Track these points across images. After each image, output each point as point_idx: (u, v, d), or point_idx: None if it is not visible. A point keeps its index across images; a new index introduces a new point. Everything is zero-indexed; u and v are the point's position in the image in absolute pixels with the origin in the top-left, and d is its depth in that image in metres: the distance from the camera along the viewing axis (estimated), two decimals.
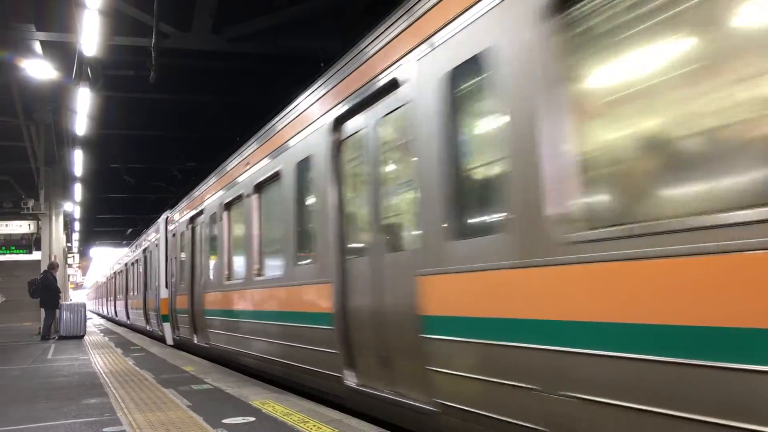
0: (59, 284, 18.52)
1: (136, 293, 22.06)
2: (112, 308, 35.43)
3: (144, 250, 19.37)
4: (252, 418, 5.31)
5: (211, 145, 18.71)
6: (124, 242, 39.80)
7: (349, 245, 5.68)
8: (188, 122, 17.52)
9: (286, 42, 12.02)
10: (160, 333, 15.72)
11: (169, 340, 14.69)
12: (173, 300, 14.03)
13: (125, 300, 26.43)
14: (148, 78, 11.79)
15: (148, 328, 18.69)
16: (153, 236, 17.52)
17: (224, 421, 5.23)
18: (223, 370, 9.03)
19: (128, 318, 25.49)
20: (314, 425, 4.92)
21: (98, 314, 48.84)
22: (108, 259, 47.60)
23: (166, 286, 14.94)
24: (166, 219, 15.59)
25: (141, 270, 20.33)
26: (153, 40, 10.82)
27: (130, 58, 12.60)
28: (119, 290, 30.14)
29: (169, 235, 14.83)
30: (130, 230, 37.45)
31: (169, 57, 12.13)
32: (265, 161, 7.81)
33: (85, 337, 17.96)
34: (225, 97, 15.54)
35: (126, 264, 26.57)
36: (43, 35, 11.44)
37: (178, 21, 11.29)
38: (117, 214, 33.16)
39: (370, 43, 5.12)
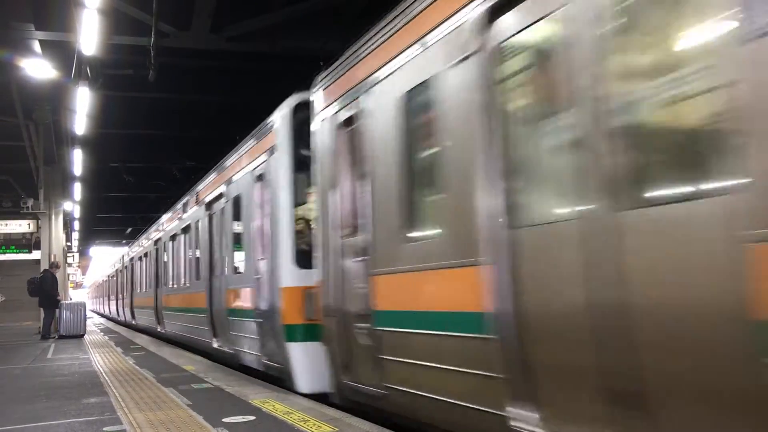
0: (59, 283, 18.54)
1: (182, 284, 13.75)
2: (124, 309, 26.58)
3: (208, 206, 11.21)
4: (252, 417, 5.33)
5: (210, 145, 18.68)
6: (124, 241, 39.72)
7: None
8: (188, 121, 17.50)
9: (286, 41, 12.02)
10: (270, 363, 7.57)
11: (312, 384, 6.66)
12: (349, 289, 5.64)
13: (155, 297, 17.39)
14: (148, 77, 11.78)
15: (217, 345, 10.34)
16: (243, 167, 8.97)
17: (224, 419, 5.25)
18: (224, 369, 9.05)
19: (159, 324, 16.91)
20: (314, 424, 4.93)
21: (104, 316, 41.86)
22: (112, 253, 43.91)
23: (295, 262, 7.00)
24: (295, 110, 7.28)
25: (198, 242, 12.06)
26: (152, 39, 10.82)
27: (130, 57, 12.59)
28: (139, 283, 21.68)
29: (329, 132, 6.03)
30: (129, 229, 37.41)
31: (168, 56, 12.11)
32: None
33: (85, 337, 17.97)
34: (224, 96, 15.52)
35: (156, 242, 17.85)
36: (42, 34, 11.43)
37: (177, 20, 11.28)
38: (117, 213, 33.16)
39: None
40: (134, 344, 15.03)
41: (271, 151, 7.59)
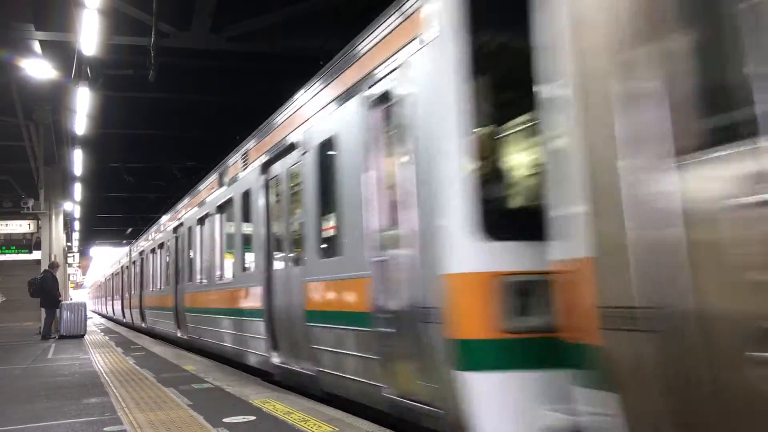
0: (60, 283, 18.55)
1: (216, 278, 10.53)
2: (131, 310, 23.30)
3: (265, 168, 8.08)
4: (252, 417, 5.32)
5: (210, 145, 18.71)
6: (124, 241, 39.73)
7: None
8: (188, 121, 17.51)
9: (286, 41, 12.03)
10: (410, 402, 4.49)
11: None
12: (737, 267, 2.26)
13: (174, 295, 14.10)
14: (148, 77, 11.80)
15: (279, 360, 7.41)
16: (344, 90, 5.70)
17: (225, 420, 5.24)
18: (224, 369, 9.05)
19: (180, 328, 13.67)
20: (315, 424, 4.93)
21: (108, 318, 37.37)
22: (115, 251, 41.67)
23: (482, 229, 3.88)
24: None
25: (247, 220, 8.89)
26: (152, 39, 10.82)
27: (130, 57, 12.60)
28: (151, 280, 18.23)
29: None
30: (130, 229, 37.44)
31: (168, 56, 12.12)
32: None
33: (86, 337, 17.97)
34: (224, 96, 15.54)
35: (176, 229, 14.42)
36: (42, 35, 11.43)
37: (177, 20, 11.29)
38: (117, 213, 33.20)
39: None
40: (134, 344, 15.04)
41: (416, 46, 4.41)
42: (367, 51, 5.23)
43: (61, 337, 17.47)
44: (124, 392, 7.09)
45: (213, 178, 11.20)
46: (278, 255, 7.53)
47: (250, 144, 8.88)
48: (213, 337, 10.62)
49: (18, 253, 26.88)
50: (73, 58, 11.51)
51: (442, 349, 3.96)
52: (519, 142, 4.07)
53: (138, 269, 21.59)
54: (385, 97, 4.89)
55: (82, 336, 17.92)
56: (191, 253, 12.75)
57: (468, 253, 3.85)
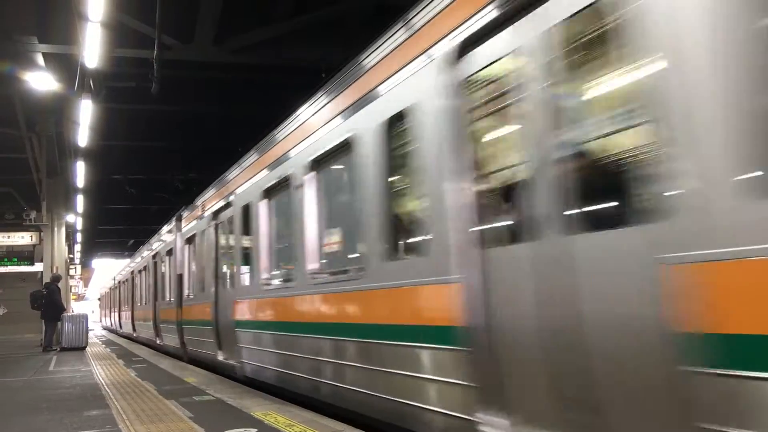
0: (61, 295, 18.57)
1: None
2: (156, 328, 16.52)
3: None
4: (254, 429, 5.29)
5: (213, 156, 18.76)
6: (126, 253, 39.74)
7: None
8: (190, 133, 17.57)
9: (288, 53, 12.09)
10: None
11: None
12: None
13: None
14: (150, 89, 11.84)
15: None
16: None
17: None
18: (225, 381, 9.01)
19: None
20: None
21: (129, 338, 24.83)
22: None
23: None
24: None
25: None
26: (155, 51, 10.88)
27: (133, 69, 12.66)
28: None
29: None
30: (132, 241, 37.45)
31: (171, 68, 12.17)
32: None
33: (87, 349, 17.93)
34: (227, 108, 15.59)
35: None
36: (45, 47, 11.50)
37: (180, 33, 11.35)
38: (119, 225, 33.23)
39: None
40: (136, 356, 15.00)
41: None
42: None
43: (63, 350, 17.43)
44: (125, 404, 7.07)
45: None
46: None
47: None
48: None
49: (20, 264, 26.87)
50: (76, 71, 11.57)
51: None
52: None
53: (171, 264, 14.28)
54: None
55: (84, 348, 17.88)
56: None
57: None
